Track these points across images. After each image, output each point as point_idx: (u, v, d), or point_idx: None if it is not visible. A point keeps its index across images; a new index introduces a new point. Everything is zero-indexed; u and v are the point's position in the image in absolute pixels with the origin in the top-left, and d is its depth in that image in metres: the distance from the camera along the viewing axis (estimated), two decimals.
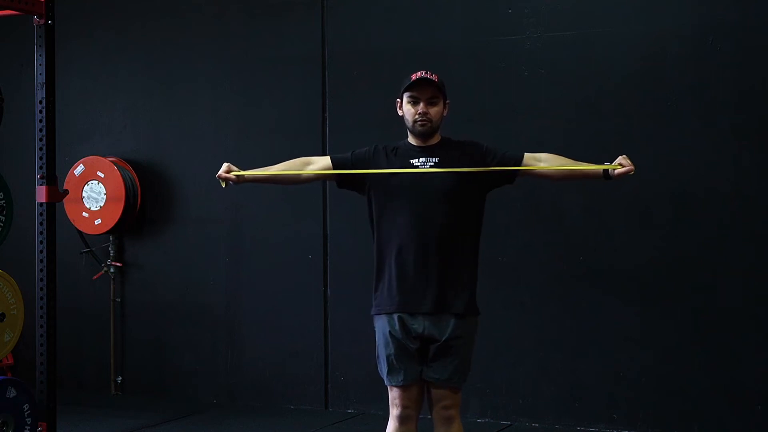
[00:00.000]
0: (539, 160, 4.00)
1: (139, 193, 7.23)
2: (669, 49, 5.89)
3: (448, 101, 4.04)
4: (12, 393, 4.65)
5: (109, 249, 7.32)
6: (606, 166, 3.93)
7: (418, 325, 3.89)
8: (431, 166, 3.93)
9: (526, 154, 4.00)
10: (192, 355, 7.17)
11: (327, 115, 6.72)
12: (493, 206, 6.15)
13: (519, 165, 3.98)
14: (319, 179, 4.15)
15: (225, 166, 4.02)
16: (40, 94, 4.74)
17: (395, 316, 3.90)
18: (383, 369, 3.96)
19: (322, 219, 6.72)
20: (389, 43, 6.55)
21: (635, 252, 5.95)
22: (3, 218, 5.08)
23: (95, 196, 7.15)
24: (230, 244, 7.06)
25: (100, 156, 7.24)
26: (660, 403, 5.87)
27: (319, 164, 4.05)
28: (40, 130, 4.74)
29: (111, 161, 7.19)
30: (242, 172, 4.01)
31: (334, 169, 4.02)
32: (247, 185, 4.29)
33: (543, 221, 6.17)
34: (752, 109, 5.72)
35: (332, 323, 6.67)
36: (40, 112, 4.74)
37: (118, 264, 7.32)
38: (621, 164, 3.91)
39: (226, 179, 3.99)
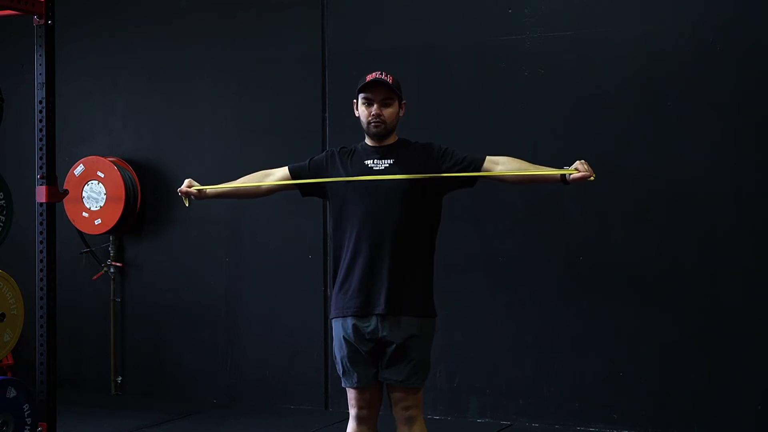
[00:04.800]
0: (497, 164, 3.91)
1: (139, 193, 7.23)
2: (669, 49, 5.89)
3: (404, 102, 4.02)
4: (12, 393, 4.65)
5: (109, 249, 7.32)
6: (564, 171, 3.81)
7: (372, 325, 3.88)
8: (386, 167, 3.93)
9: (487, 157, 3.93)
10: (192, 355, 7.17)
11: (327, 115, 6.72)
12: (493, 207, 6.22)
13: (479, 170, 3.91)
14: (280, 190, 4.14)
15: (187, 181, 4.06)
16: (40, 94, 4.73)
17: (349, 320, 3.92)
18: (339, 371, 4.01)
19: (322, 219, 6.71)
20: (389, 43, 6.55)
21: (635, 252, 5.95)
22: (3, 218, 5.09)
23: (95, 196, 7.15)
24: (230, 244, 7.07)
25: (100, 156, 7.24)
26: (660, 403, 5.87)
27: (277, 175, 4.06)
28: (40, 130, 4.74)
29: (111, 161, 7.19)
30: (203, 187, 4.04)
31: (292, 177, 4.04)
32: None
33: (542, 221, 6.17)
34: (752, 109, 5.72)
35: None
36: (40, 112, 4.74)
37: (118, 264, 7.32)
38: (577, 169, 3.79)
39: (187, 194, 4.02)
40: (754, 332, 5.71)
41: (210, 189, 4.06)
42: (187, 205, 4.06)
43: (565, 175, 3.81)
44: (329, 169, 4.02)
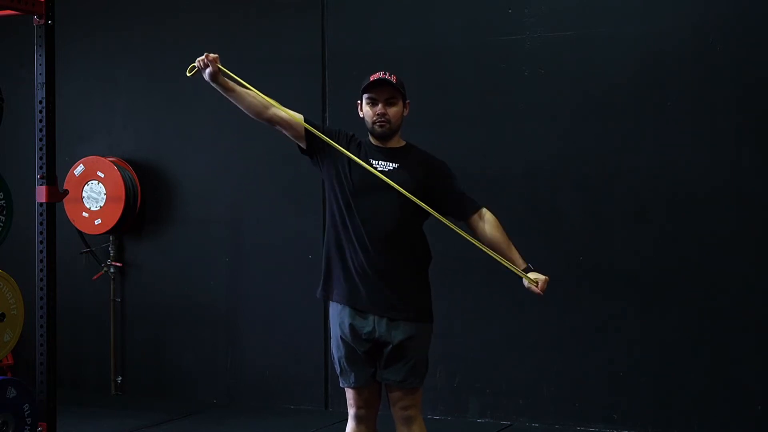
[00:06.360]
0: (482, 220, 4.01)
1: (139, 193, 7.23)
2: (669, 49, 5.89)
3: (408, 101, 4.03)
4: (12, 393, 4.65)
5: (109, 249, 7.32)
6: (526, 275, 3.91)
7: (369, 326, 3.88)
8: (390, 170, 3.91)
9: (480, 210, 4.01)
10: (192, 355, 7.17)
11: (327, 115, 6.71)
12: (493, 207, 6.19)
13: (466, 216, 4.01)
14: (282, 126, 4.02)
15: (216, 55, 3.89)
16: (40, 94, 4.73)
17: (346, 318, 3.91)
18: (337, 370, 4.02)
19: (322, 219, 6.70)
20: (389, 43, 6.55)
21: (635, 252, 5.95)
22: (3, 218, 5.08)
23: (95, 196, 7.15)
24: (230, 244, 7.06)
25: (100, 156, 7.24)
26: (660, 403, 5.87)
27: (290, 113, 3.98)
28: (40, 130, 4.74)
29: (111, 161, 7.19)
30: (224, 69, 3.91)
31: (305, 127, 3.96)
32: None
33: (542, 221, 6.16)
34: (752, 109, 5.72)
35: None
36: (40, 112, 4.74)
37: (118, 264, 7.32)
38: (536, 282, 3.90)
39: (213, 62, 3.87)
40: (754, 332, 5.71)
41: (227, 74, 3.93)
42: (190, 75, 3.99)
43: (525, 270, 3.93)
44: (341, 143, 3.97)
